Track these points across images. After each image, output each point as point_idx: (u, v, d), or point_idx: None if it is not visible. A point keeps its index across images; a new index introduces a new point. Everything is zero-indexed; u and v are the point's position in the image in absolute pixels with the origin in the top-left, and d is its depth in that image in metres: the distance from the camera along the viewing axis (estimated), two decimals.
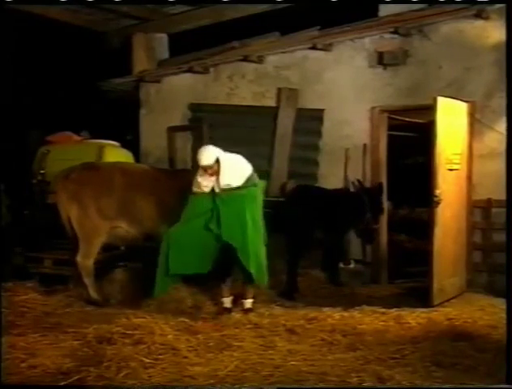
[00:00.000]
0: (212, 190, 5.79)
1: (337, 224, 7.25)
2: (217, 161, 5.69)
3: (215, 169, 5.71)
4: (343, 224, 7.37)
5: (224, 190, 5.77)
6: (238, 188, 5.79)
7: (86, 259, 6.48)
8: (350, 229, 7.59)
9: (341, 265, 7.79)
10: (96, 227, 6.53)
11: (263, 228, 5.92)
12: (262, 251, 5.86)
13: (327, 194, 7.35)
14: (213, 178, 5.76)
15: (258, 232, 5.82)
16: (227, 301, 6.08)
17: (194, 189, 5.86)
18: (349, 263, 7.89)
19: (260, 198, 5.97)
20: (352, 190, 7.52)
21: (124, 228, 6.64)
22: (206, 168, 5.72)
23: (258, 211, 5.91)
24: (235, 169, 5.79)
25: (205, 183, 5.77)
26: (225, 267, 6.00)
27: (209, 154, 5.72)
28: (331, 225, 7.20)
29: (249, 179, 5.85)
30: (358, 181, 7.48)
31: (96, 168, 6.81)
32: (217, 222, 5.72)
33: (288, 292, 6.87)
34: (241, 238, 5.69)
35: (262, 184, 6.04)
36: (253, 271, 5.72)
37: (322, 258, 7.71)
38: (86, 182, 6.58)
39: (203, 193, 5.79)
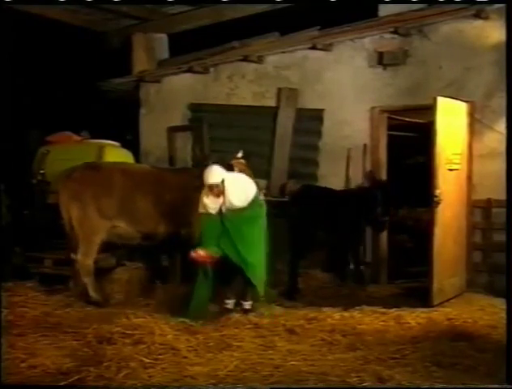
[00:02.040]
0: (219, 210, 5.84)
1: (340, 224, 7.22)
2: (223, 182, 5.74)
3: (220, 189, 5.75)
4: (348, 224, 7.34)
5: (230, 211, 5.81)
6: (244, 208, 5.85)
7: (86, 258, 6.50)
8: (359, 229, 7.57)
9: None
10: (95, 226, 6.56)
11: (266, 243, 6.02)
12: (264, 267, 5.97)
13: (332, 194, 7.33)
14: (219, 200, 5.80)
15: (262, 249, 5.94)
16: (229, 303, 6.09)
17: (201, 210, 5.90)
18: (349, 263, 7.88)
19: (264, 217, 6.02)
20: (364, 182, 7.56)
21: (123, 228, 6.67)
22: (212, 188, 5.76)
23: (263, 230, 5.99)
24: (240, 190, 5.86)
25: (212, 205, 5.82)
26: (232, 275, 6.07)
27: (215, 173, 5.78)
28: (336, 226, 7.18)
29: (253, 200, 5.91)
30: (370, 171, 7.47)
31: (98, 168, 6.84)
32: (230, 244, 5.80)
33: (288, 292, 6.87)
34: (249, 257, 5.81)
35: (263, 203, 6.08)
36: (257, 285, 5.90)
37: (326, 258, 7.69)
38: (87, 182, 6.61)
39: (211, 214, 5.83)
